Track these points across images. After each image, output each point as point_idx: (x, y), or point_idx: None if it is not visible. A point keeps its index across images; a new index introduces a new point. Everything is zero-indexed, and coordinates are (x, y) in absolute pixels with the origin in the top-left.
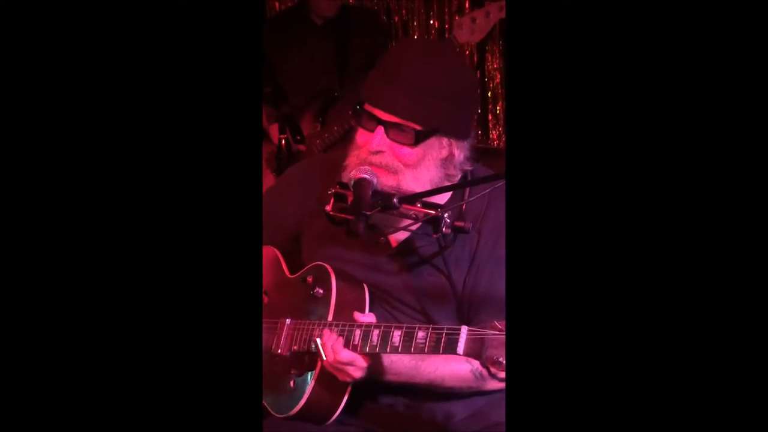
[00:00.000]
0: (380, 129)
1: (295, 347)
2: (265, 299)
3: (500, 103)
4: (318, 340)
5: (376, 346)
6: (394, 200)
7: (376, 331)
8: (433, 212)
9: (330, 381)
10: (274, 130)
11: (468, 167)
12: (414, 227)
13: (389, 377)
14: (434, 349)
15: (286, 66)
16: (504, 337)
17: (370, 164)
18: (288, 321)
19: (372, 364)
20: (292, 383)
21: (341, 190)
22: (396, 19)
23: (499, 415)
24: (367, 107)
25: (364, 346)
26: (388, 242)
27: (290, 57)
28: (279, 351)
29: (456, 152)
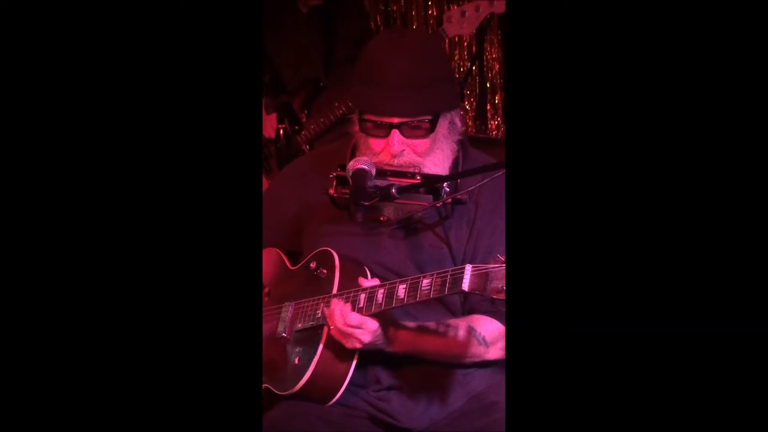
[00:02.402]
0: (395, 132)
1: (300, 325)
2: (266, 289)
3: (499, 93)
4: (325, 310)
5: (381, 304)
6: (393, 190)
7: (381, 291)
8: (436, 183)
9: (335, 354)
10: (272, 119)
11: (462, 127)
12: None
13: (394, 347)
14: (440, 291)
15: (275, 55)
16: (505, 268)
17: (391, 167)
18: (291, 305)
19: (379, 328)
20: (297, 360)
21: (343, 173)
22: (394, 8)
23: (497, 395)
24: (370, 117)
25: (369, 307)
26: (389, 219)
27: (278, 46)
28: (284, 334)
29: (456, 121)
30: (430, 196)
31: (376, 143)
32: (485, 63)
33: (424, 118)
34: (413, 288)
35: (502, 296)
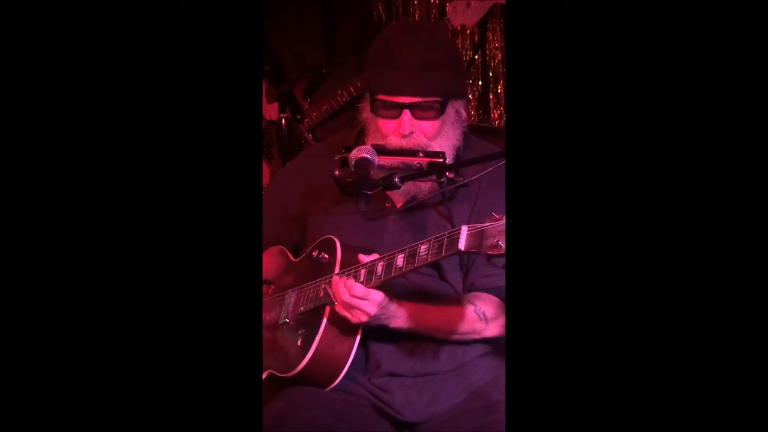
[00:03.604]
0: (406, 112)
1: (302, 308)
2: (271, 288)
3: (501, 82)
4: (327, 287)
5: (381, 275)
6: (396, 179)
7: (380, 263)
8: (439, 159)
9: (338, 333)
10: (273, 108)
11: (467, 120)
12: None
13: (398, 322)
14: (437, 254)
15: (276, 44)
16: (502, 224)
17: (402, 148)
18: (293, 291)
19: (384, 299)
20: (299, 341)
21: (347, 154)
22: None
23: (499, 393)
24: (382, 97)
25: (369, 280)
26: (393, 204)
27: (279, 34)
28: (286, 320)
29: (462, 111)
30: (434, 176)
31: (386, 125)
32: (488, 52)
33: (434, 100)
34: (411, 255)
35: (497, 251)
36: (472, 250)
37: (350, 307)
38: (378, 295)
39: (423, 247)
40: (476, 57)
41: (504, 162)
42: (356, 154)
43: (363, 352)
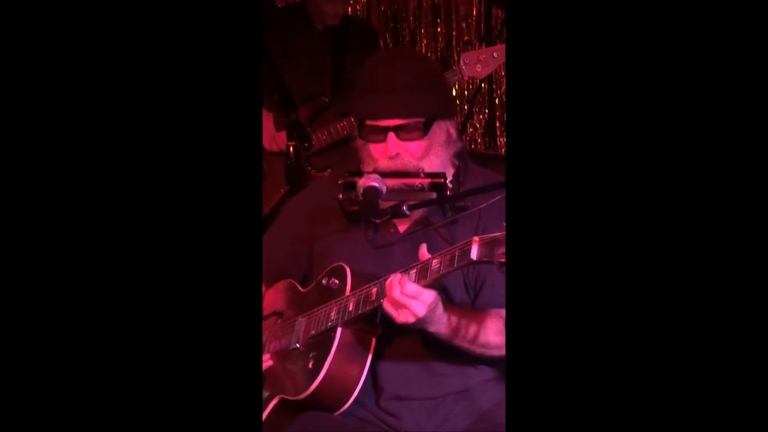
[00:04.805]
0: (391, 134)
1: (313, 332)
2: (279, 320)
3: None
4: (381, 282)
5: None
6: (404, 207)
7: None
8: (440, 179)
9: (349, 355)
10: (282, 137)
11: (459, 143)
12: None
13: (438, 327)
14: (450, 266)
15: (286, 73)
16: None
17: (393, 171)
18: (303, 318)
19: (435, 301)
20: (311, 364)
21: (351, 179)
22: (404, 25)
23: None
24: (369, 122)
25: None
26: (396, 230)
27: (289, 63)
28: (297, 345)
29: (452, 131)
30: (439, 179)
31: (375, 149)
32: (494, 80)
33: (417, 120)
34: (423, 270)
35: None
36: (484, 260)
37: (399, 305)
38: (429, 296)
39: (435, 261)
40: (483, 85)
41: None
42: (365, 182)
43: (371, 376)
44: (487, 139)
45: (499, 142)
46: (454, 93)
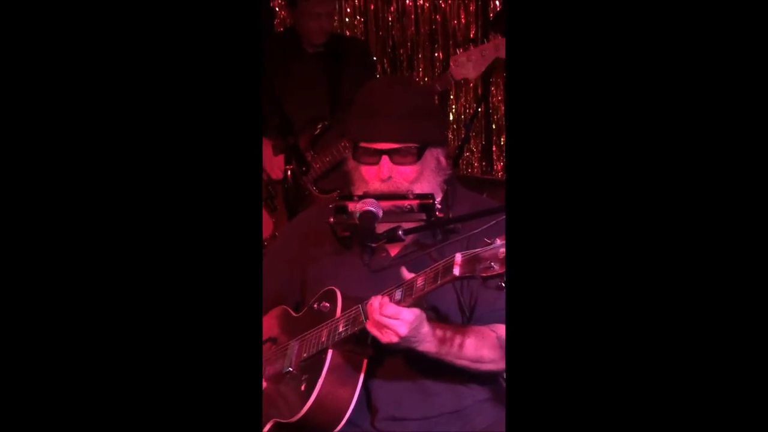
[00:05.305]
0: (385, 158)
1: (305, 354)
2: (273, 346)
3: (504, 135)
4: (362, 305)
5: None
6: (399, 232)
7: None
8: (428, 201)
9: (340, 375)
10: (279, 161)
11: (449, 170)
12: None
13: (426, 346)
14: (433, 282)
15: (283, 97)
16: (494, 246)
17: (384, 193)
18: (296, 341)
19: (416, 320)
20: (303, 386)
21: (341, 203)
22: (401, 51)
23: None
24: (364, 144)
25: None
26: (388, 253)
27: (286, 87)
28: (290, 368)
29: (442, 159)
30: (428, 200)
31: (368, 171)
32: (491, 105)
33: (411, 145)
34: (408, 288)
35: (491, 272)
36: (467, 275)
37: (380, 326)
38: (410, 315)
39: (419, 279)
40: (479, 110)
41: (504, 217)
42: (361, 207)
43: (365, 396)
44: (484, 163)
45: (495, 167)
46: (451, 118)
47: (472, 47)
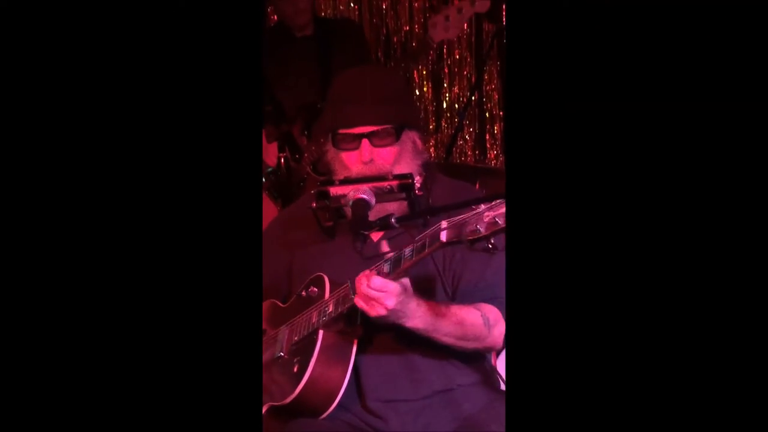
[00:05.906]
0: (365, 141)
1: (296, 338)
2: (264, 336)
3: (498, 123)
4: (350, 281)
5: None
6: (392, 220)
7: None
8: (408, 180)
9: (332, 356)
10: (273, 148)
11: (425, 153)
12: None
13: (414, 322)
14: (420, 251)
15: (275, 84)
16: (479, 211)
17: (365, 176)
18: (286, 327)
19: (402, 294)
20: (295, 369)
21: (323, 188)
22: (395, 39)
23: (493, 423)
24: (343, 131)
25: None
26: (371, 239)
27: (277, 73)
28: (281, 353)
29: (418, 141)
30: (407, 180)
31: (348, 157)
32: (484, 93)
33: (389, 127)
34: (397, 260)
35: (477, 236)
36: (454, 240)
37: (368, 299)
38: (396, 288)
39: (407, 249)
40: (473, 98)
41: (504, 207)
42: (354, 194)
43: (355, 378)
44: (477, 152)
45: (489, 155)
46: (444, 106)
47: (447, 6)
